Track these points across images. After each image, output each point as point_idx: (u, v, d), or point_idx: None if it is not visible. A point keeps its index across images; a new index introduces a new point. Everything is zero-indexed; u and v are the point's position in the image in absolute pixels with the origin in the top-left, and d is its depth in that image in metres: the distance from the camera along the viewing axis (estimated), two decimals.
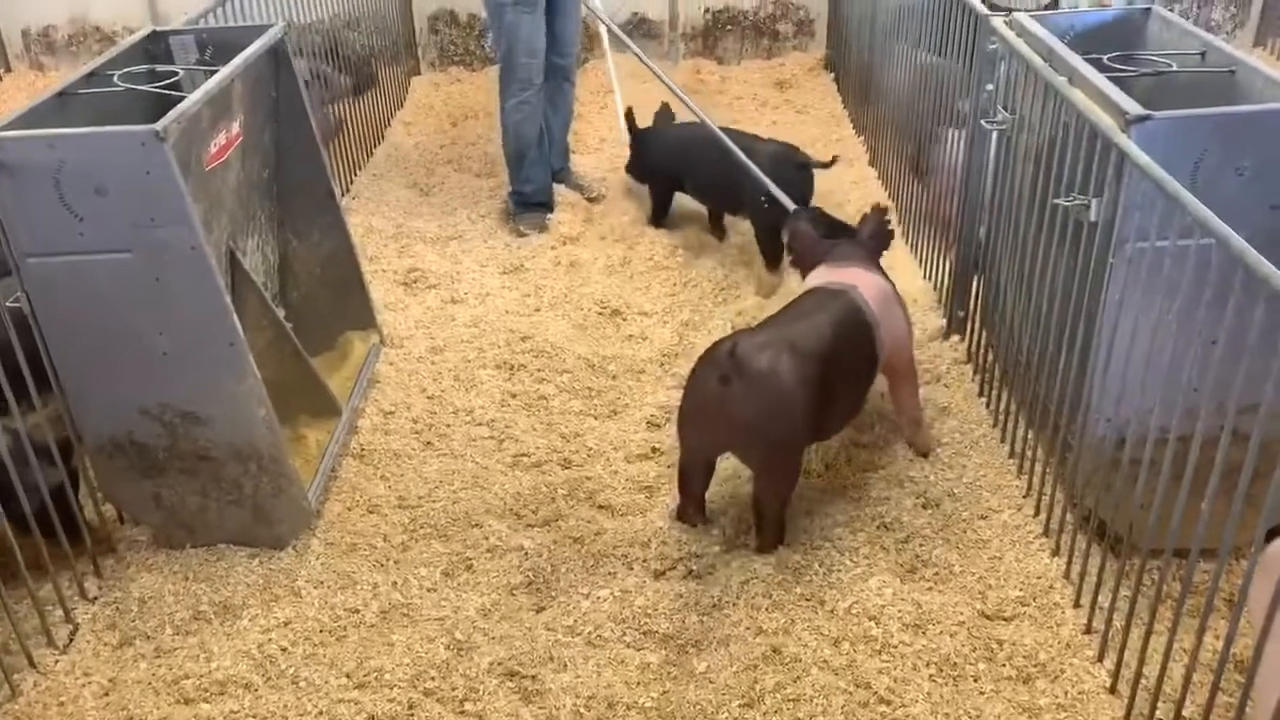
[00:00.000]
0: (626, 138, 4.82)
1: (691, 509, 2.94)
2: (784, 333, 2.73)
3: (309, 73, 4.54)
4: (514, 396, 3.56)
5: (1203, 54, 2.77)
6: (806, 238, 3.28)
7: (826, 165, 4.10)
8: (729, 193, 4.27)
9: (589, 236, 4.65)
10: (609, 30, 5.05)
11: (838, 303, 2.89)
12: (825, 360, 2.71)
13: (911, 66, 4.24)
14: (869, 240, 3.27)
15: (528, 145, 4.56)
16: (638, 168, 4.78)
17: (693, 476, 2.89)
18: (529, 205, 4.69)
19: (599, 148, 5.46)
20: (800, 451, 2.84)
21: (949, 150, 3.68)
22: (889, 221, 3.34)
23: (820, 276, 3.08)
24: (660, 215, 4.66)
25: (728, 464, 3.09)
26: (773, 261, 4.12)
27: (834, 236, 3.33)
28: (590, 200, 4.88)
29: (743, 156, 3.99)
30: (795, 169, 4.06)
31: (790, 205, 3.78)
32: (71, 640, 2.63)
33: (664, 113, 4.76)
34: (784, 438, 2.70)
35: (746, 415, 2.62)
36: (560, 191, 4.88)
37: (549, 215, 4.68)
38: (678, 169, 4.51)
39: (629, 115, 4.77)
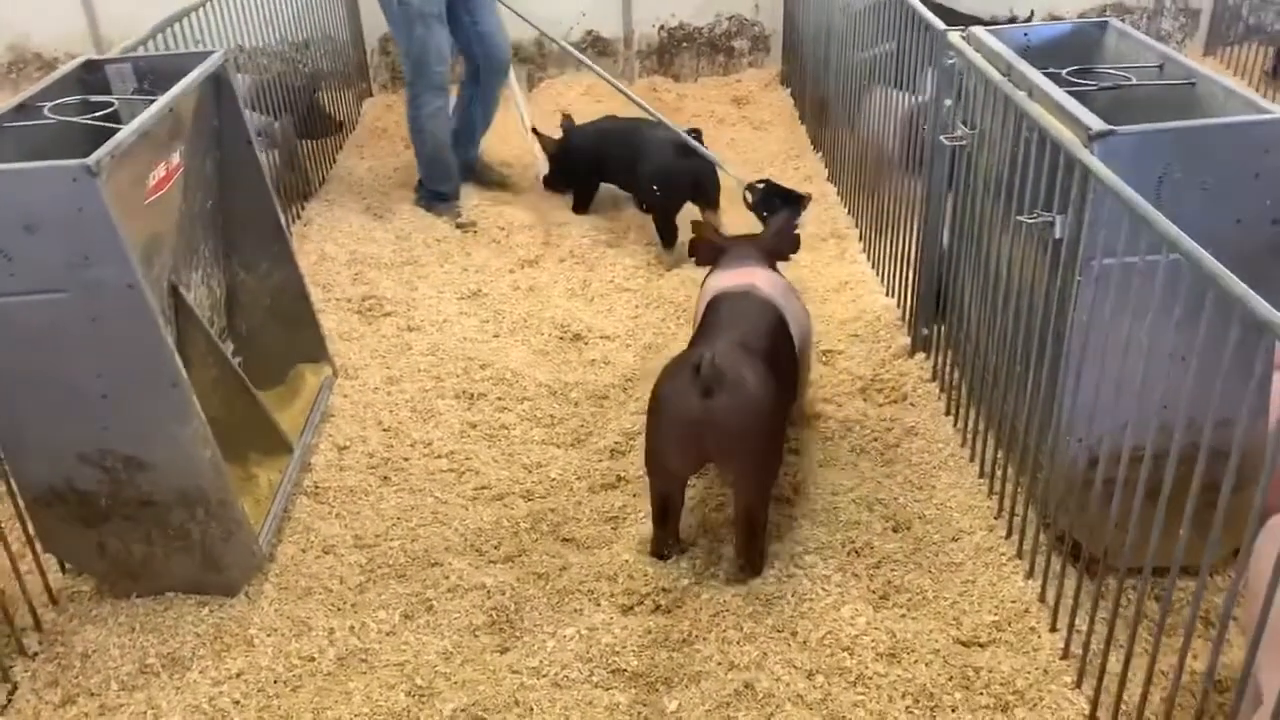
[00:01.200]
0: (539, 153, 5.14)
1: (670, 540, 2.86)
2: (734, 338, 2.79)
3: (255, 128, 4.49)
4: (474, 427, 3.47)
5: (1161, 66, 2.75)
6: (707, 240, 3.43)
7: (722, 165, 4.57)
8: (631, 178, 4.69)
9: (548, 259, 4.58)
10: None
11: (751, 303, 2.99)
12: (769, 359, 2.80)
13: (867, 78, 4.22)
14: (771, 241, 3.41)
15: (443, 146, 4.83)
16: (561, 171, 5.05)
17: (671, 502, 2.82)
18: (444, 199, 4.93)
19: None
20: (782, 449, 2.91)
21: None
22: (796, 228, 3.48)
23: (718, 279, 3.19)
24: (584, 205, 5.01)
25: (692, 492, 3.03)
26: (667, 242, 4.55)
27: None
28: (500, 185, 5.17)
29: (709, 153, 4.55)
30: (686, 157, 4.47)
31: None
32: (10, 700, 2.50)
33: (568, 121, 5.05)
34: (770, 437, 2.75)
35: (734, 423, 2.62)
36: (507, 211, 4.93)
37: (460, 204, 4.95)
38: (597, 159, 4.87)
39: (536, 131, 5.12)
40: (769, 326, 2.92)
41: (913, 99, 3.62)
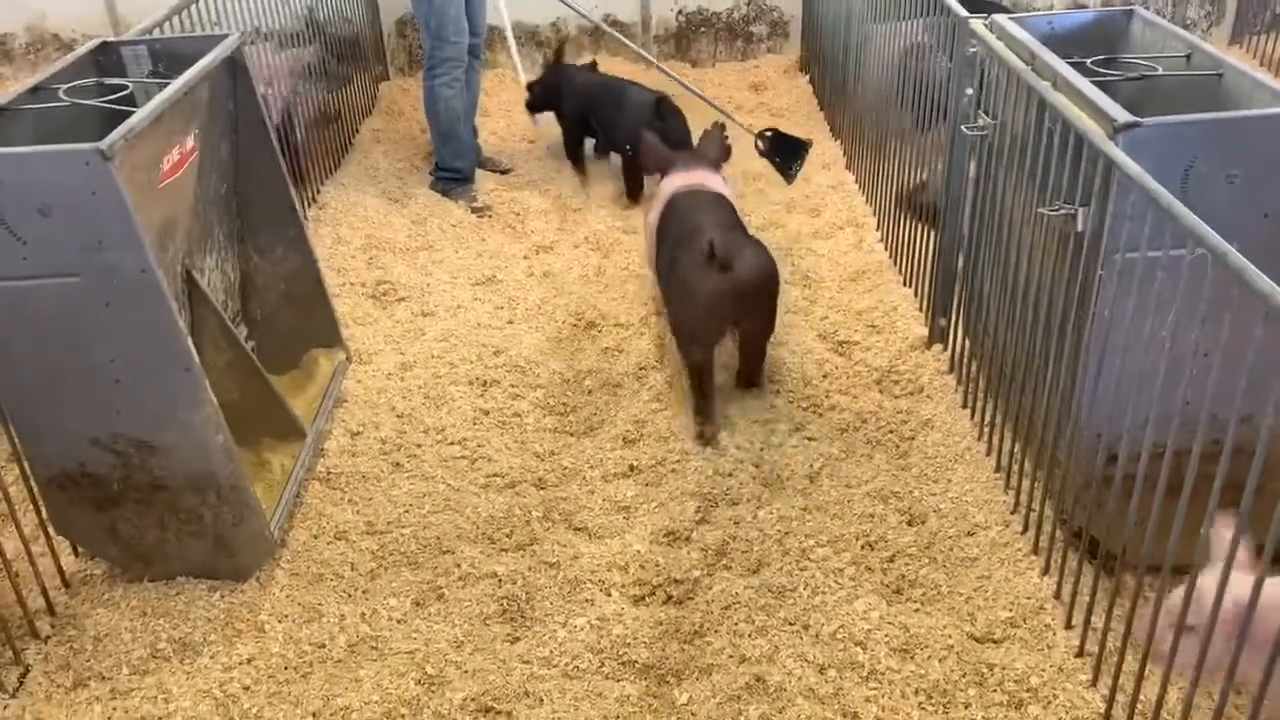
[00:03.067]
0: (523, 78, 5.46)
1: (712, 414, 3.27)
2: (716, 221, 3.39)
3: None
4: (487, 414, 3.46)
5: (1188, 56, 2.70)
6: (656, 149, 4.03)
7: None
8: (609, 132, 5.03)
9: (562, 245, 4.56)
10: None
11: (706, 196, 3.60)
12: (742, 230, 3.48)
13: (887, 65, 4.17)
14: (708, 149, 4.00)
15: (457, 120, 4.84)
16: (547, 103, 5.29)
17: (706, 374, 3.28)
18: (459, 180, 4.95)
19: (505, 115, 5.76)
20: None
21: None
22: (726, 137, 4.07)
23: (672, 182, 3.74)
24: (576, 149, 5.28)
25: (688, 482, 3.01)
26: (632, 194, 4.92)
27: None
28: (501, 173, 5.20)
29: (717, 104, 4.97)
30: (670, 115, 4.75)
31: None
32: (21, 684, 2.51)
33: (560, 52, 5.37)
34: (776, 290, 3.37)
35: (752, 286, 3.25)
36: (521, 196, 4.92)
37: (475, 187, 4.99)
38: (583, 109, 5.12)
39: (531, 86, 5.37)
40: (727, 210, 3.56)
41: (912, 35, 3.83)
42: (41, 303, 2.38)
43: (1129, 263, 2.20)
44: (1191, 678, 2.00)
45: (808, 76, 6.30)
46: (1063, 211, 2.43)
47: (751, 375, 3.47)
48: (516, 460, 3.24)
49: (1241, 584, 1.86)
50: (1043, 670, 2.41)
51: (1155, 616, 2.10)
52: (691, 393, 3.31)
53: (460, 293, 4.18)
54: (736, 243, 3.25)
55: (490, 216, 4.79)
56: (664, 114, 4.72)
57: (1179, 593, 2.02)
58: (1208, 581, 1.94)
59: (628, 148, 4.63)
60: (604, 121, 5.04)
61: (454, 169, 4.93)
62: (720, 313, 3.24)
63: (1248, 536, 1.86)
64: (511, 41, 5.77)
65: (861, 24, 4.65)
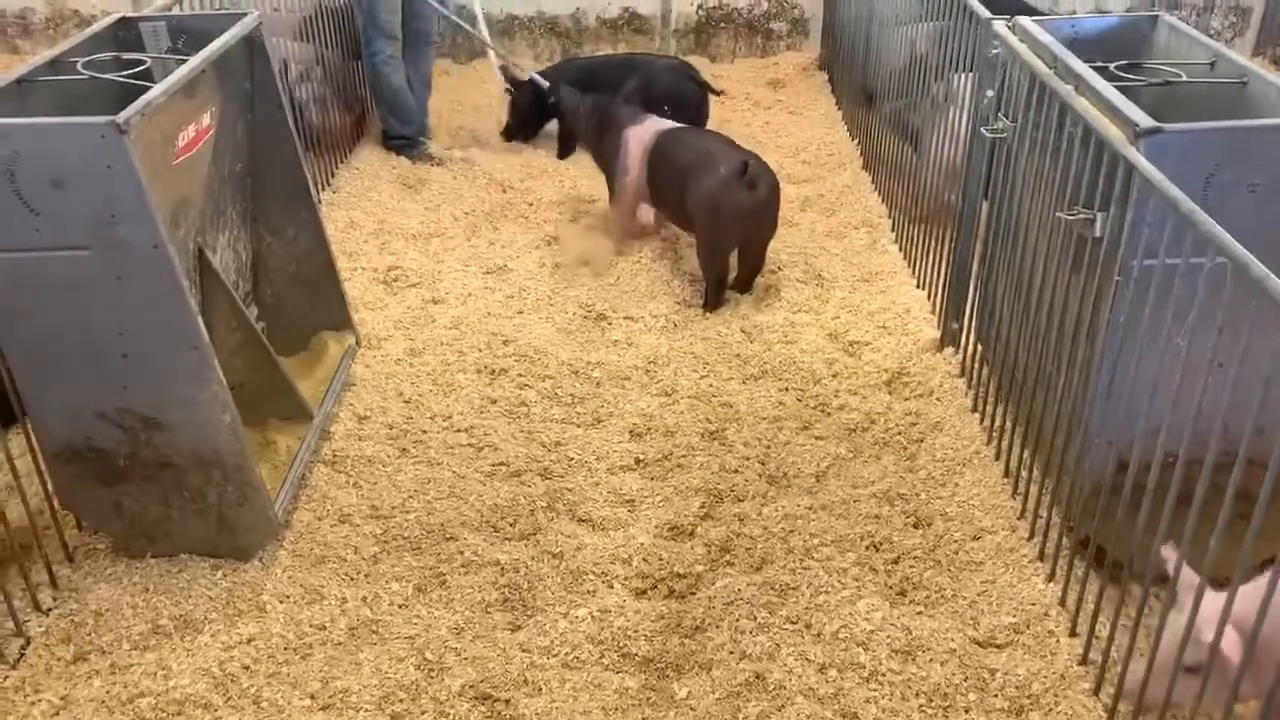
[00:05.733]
0: (504, 87, 5.47)
1: (722, 302, 3.96)
2: (733, 146, 4.01)
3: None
4: (494, 402, 3.45)
5: (1212, 64, 2.67)
6: (600, 107, 4.52)
7: (717, 92, 5.14)
8: (641, 98, 4.94)
9: (574, 236, 4.54)
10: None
11: (694, 131, 4.29)
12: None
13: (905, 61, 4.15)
14: (632, 100, 4.67)
15: (402, 90, 5.08)
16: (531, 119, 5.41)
17: (725, 270, 3.95)
18: (409, 144, 5.19)
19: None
20: None
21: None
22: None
23: (648, 127, 4.24)
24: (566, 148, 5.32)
25: (693, 477, 2.99)
26: (564, 153, 5.21)
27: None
28: (436, 164, 5.18)
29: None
30: (690, 83, 5.02)
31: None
32: (22, 655, 2.51)
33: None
34: (779, 202, 4.00)
35: (773, 204, 3.90)
36: (535, 186, 4.92)
37: (429, 143, 5.24)
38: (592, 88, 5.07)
39: (504, 69, 5.53)
40: (721, 137, 4.16)
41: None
42: (52, 274, 2.37)
43: (1146, 269, 2.18)
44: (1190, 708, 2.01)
45: (826, 75, 6.28)
46: (1081, 216, 2.41)
47: (751, 279, 4.04)
48: (522, 449, 3.23)
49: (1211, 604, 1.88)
50: (1045, 677, 2.39)
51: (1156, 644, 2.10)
52: (714, 292, 3.93)
53: (471, 281, 4.17)
54: (762, 164, 3.86)
55: (446, 165, 5.04)
56: (690, 74, 5.08)
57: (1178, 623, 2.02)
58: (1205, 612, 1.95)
59: (665, 108, 4.69)
60: (631, 90, 5.05)
61: (402, 136, 5.18)
62: (744, 227, 3.84)
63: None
64: (483, 25, 5.78)
65: (882, 25, 4.63)
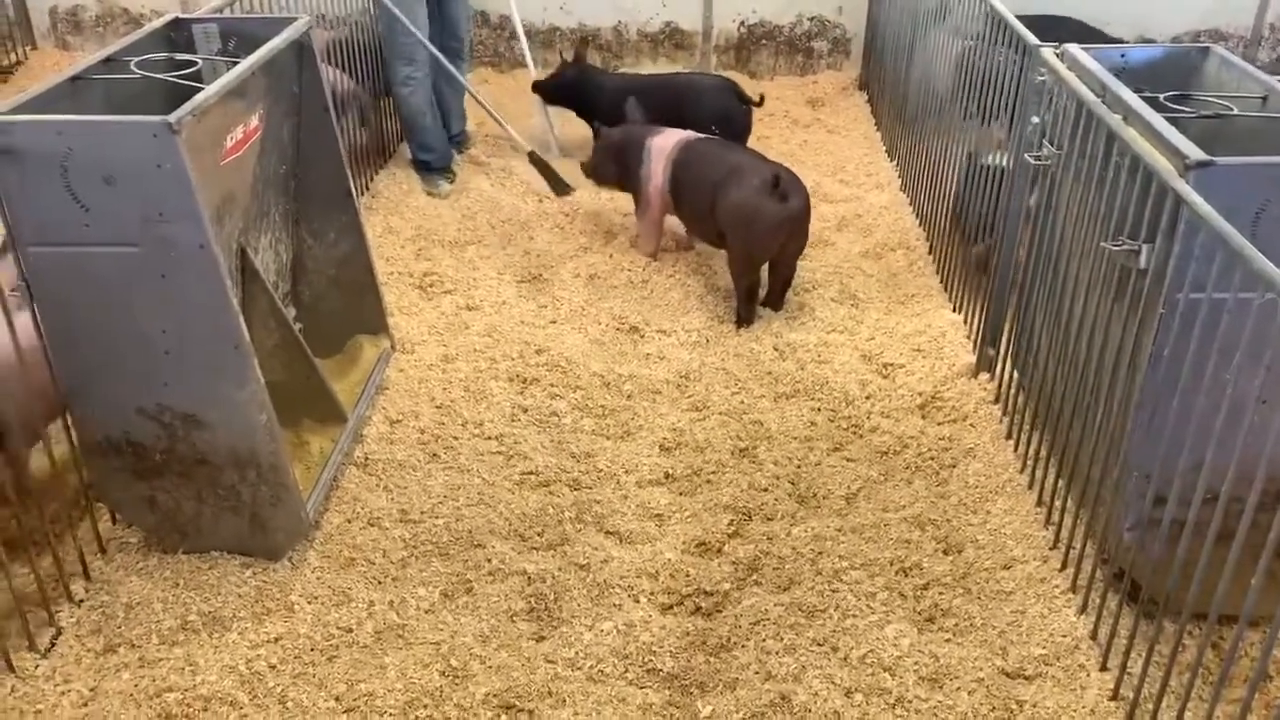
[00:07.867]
0: (533, 72, 5.55)
1: (754, 317, 3.97)
2: (762, 160, 3.99)
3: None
4: (525, 411, 3.46)
5: (1264, 98, 2.65)
6: (632, 128, 4.53)
7: (758, 103, 5.01)
8: (687, 117, 4.77)
9: (611, 248, 4.55)
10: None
11: (718, 142, 4.27)
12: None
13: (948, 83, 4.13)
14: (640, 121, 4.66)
15: (420, 114, 4.98)
16: (563, 99, 5.34)
17: (756, 285, 3.96)
18: (426, 169, 5.08)
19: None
20: None
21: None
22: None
23: (669, 138, 4.25)
24: None
25: (722, 493, 2.98)
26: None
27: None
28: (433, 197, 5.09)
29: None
30: (736, 101, 4.96)
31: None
32: (53, 645, 2.53)
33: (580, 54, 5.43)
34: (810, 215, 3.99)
35: (804, 215, 3.90)
36: (573, 197, 4.93)
37: (450, 181, 5.08)
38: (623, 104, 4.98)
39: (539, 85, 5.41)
40: (748, 150, 4.22)
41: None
42: (100, 270, 2.41)
43: (1192, 303, 2.16)
44: None
45: (866, 96, 6.27)
46: (1125, 247, 2.39)
47: (783, 294, 4.05)
48: (552, 459, 3.23)
49: None
50: (1074, 711, 2.36)
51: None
52: (745, 306, 3.94)
53: (505, 289, 4.19)
54: (795, 177, 3.88)
55: (444, 198, 4.94)
56: (738, 94, 5.02)
57: None
58: None
59: (713, 128, 4.68)
60: (674, 111, 4.95)
61: (421, 160, 5.09)
62: (778, 238, 3.83)
63: None
64: (522, 37, 5.78)
65: (925, 46, 4.62)
